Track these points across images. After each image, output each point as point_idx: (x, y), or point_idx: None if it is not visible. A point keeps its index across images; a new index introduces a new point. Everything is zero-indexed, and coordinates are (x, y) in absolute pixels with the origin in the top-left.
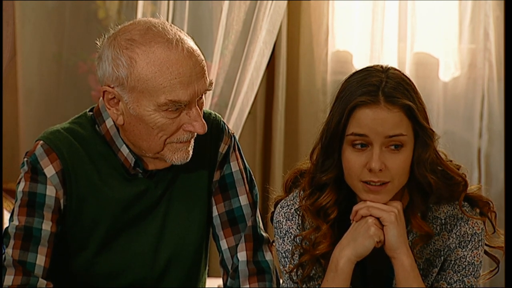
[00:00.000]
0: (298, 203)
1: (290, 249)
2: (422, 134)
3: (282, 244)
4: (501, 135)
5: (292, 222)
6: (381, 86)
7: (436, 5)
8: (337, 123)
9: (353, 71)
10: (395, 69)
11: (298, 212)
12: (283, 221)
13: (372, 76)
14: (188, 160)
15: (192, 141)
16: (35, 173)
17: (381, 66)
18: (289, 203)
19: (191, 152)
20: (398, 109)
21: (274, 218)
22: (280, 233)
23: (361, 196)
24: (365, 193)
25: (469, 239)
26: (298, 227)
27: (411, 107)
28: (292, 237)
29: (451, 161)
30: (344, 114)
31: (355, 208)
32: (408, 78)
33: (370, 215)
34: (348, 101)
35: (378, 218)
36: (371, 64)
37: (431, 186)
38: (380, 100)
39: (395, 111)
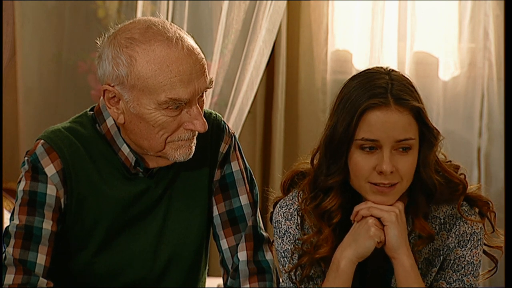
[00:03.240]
0: (297, 203)
1: (289, 249)
2: (428, 135)
3: (282, 244)
4: (501, 134)
5: (291, 222)
6: (389, 88)
7: (436, 4)
8: (346, 128)
9: (353, 71)
10: (396, 71)
11: (297, 212)
12: (282, 221)
13: (377, 78)
14: (190, 157)
15: (195, 138)
16: (36, 172)
17: (382, 68)
18: (288, 203)
19: (193, 149)
20: (407, 112)
21: (273, 218)
22: (279, 233)
23: (368, 197)
24: (373, 195)
25: (468, 238)
26: (297, 227)
27: (419, 109)
28: (291, 236)
29: (450, 161)
30: (354, 118)
31: (356, 208)
32: (410, 80)
33: (371, 216)
34: (356, 104)
35: (378, 219)
36: (371, 65)
37: (435, 186)
38: (390, 102)
39: (405, 113)
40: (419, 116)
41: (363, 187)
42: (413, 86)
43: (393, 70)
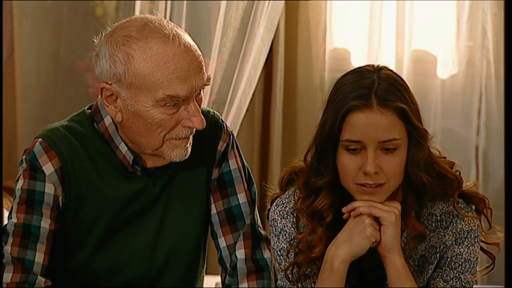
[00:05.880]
0: (293, 202)
1: (285, 247)
2: (416, 134)
3: (277, 242)
4: (498, 132)
5: (287, 220)
6: (373, 89)
7: (434, 2)
8: (331, 128)
9: (349, 69)
10: (387, 69)
11: (293, 211)
12: (278, 219)
13: (364, 77)
14: (186, 157)
15: (191, 138)
16: (34, 170)
17: (373, 66)
18: (284, 201)
19: (189, 149)
20: (391, 112)
21: (270, 216)
22: (275, 231)
23: (357, 198)
24: (360, 195)
25: (465, 236)
26: (293, 225)
27: (404, 109)
28: (286, 235)
29: (444, 157)
30: (337, 118)
31: (354, 204)
32: (401, 78)
33: (368, 215)
34: (340, 105)
35: (375, 218)
36: (366, 63)
37: (425, 185)
38: (373, 103)
39: (388, 114)
40: (404, 116)
41: (351, 187)
42: (402, 85)
43: (383, 68)
